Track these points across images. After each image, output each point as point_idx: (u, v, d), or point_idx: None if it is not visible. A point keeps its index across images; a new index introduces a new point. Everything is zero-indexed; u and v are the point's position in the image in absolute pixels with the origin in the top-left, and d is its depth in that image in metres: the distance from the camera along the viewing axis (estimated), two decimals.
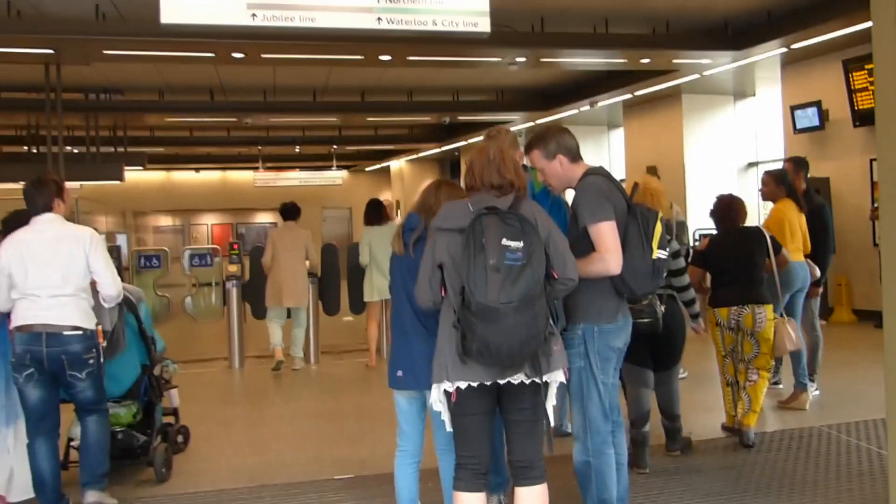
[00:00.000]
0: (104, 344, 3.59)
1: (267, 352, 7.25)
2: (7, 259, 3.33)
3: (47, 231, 3.42)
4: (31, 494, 3.49)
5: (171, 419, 4.46)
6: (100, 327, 3.55)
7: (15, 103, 11.71)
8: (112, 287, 3.51)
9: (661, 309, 3.62)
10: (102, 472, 3.53)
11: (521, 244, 2.40)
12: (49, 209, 3.45)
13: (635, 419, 3.87)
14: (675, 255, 3.91)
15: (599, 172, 2.96)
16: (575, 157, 2.98)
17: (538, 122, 13.47)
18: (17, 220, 3.60)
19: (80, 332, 3.37)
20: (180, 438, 4.53)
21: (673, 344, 3.99)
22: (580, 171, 2.96)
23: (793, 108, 9.50)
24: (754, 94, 11.68)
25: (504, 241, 2.40)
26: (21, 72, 9.70)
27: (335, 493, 3.78)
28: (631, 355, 3.64)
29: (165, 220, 22.94)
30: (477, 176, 2.69)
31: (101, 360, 3.51)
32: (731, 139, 11.82)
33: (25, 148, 14.71)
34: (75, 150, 14.03)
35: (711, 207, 4.69)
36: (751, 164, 11.81)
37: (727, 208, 4.57)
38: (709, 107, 11.77)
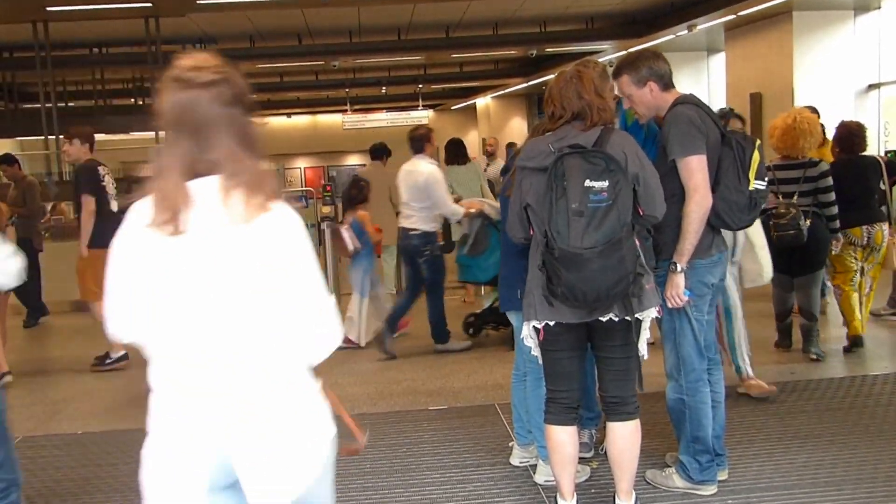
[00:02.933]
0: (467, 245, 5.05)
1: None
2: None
3: (408, 167, 5.23)
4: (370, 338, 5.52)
5: None
6: (439, 230, 5.31)
7: (120, 58, 12.29)
8: (442, 208, 5.06)
9: (806, 223, 4.21)
10: (439, 332, 5.31)
11: (605, 184, 2.29)
12: (420, 151, 5.21)
13: (778, 314, 4.81)
14: (823, 175, 4.43)
15: (690, 101, 2.79)
16: (667, 84, 2.82)
17: (630, 50, 12.83)
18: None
19: (418, 232, 5.14)
20: None
21: (815, 253, 4.46)
22: (670, 99, 2.80)
23: None
24: (879, 7, 10.55)
25: (587, 183, 2.30)
26: (124, 27, 10.14)
27: (429, 422, 3.91)
28: (776, 263, 4.30)
29: (262, 165, 23.72)
30: (556, 102, 2.55)
31: (435, 253, 5.17)
32: (849, 59, 10.82)
33: (132, 100, 15.50)
34: None
35: (834, 133, 4.98)
36: (872, 86, 10.84)
37: (849, 135, 4.84)
38: (824, 24, 10.76)
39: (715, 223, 2.75)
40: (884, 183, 4.90)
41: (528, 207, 2.51)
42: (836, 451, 3.25)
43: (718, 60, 13.37)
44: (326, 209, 7.81)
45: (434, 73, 17.14)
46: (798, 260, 4.40)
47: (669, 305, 2.75)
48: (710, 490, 2.90)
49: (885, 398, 3.92)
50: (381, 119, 19.57)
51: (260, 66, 14.24)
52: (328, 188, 8.04)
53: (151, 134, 10.73)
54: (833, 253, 4.61)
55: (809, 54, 10.81)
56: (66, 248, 5.11)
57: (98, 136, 5.30)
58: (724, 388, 3.03)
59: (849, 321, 4.78)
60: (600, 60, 3.25)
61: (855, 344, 4.75)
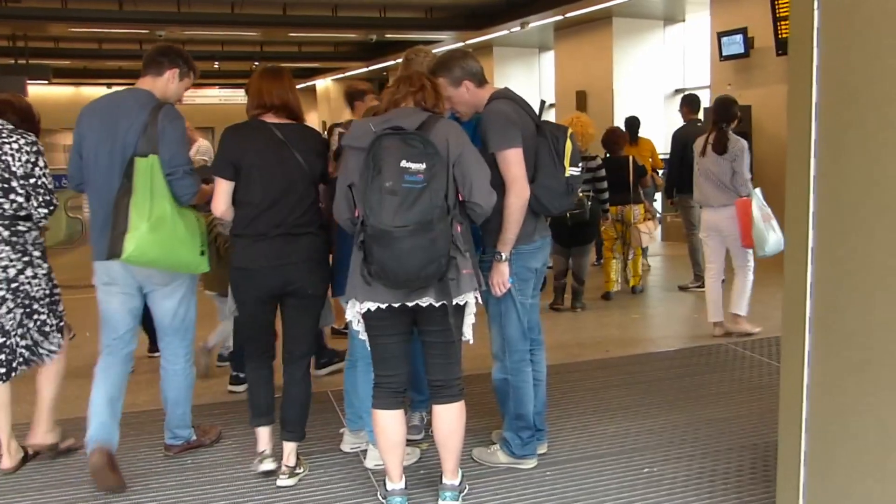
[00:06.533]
0: None
1: None
2: None
3: None
4: None
5: None
6: None
7: None
8: None
9: (587, 205, 5.51)
10: None
11: (422, 166, 2.34)
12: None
13: (556, 274, 6.00)
14: (599, 167, 5.90)
15: (505, 95, 2.91)
16: (481, 81, 2.92)
17: (468, 42, 13.18)
18: None
19: None
20: None
21: (588, 228, 5.80)
22: (486, 94, 2.90)
23: (720, 35, 9.56)
24: (684, 20, 11.69)
25: (403, 163, 2.34)
26: None
27: None
28: (563, 235, 5.60)
29: None
30: (394, 86, 2.64)
31: None
32: (659, 65, 11.87)
33: None
34: None
35: (602, 136, 6.50)
36: (678, 91, 11.95)
37: (609, 138, 6.48)
38: (639, 31, 11.73)
39: (537, 209, 2.89)
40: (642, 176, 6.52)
41: (353, 186, 2.50)
42: (641, 421, 3.57)
43: (549, 58, 14.12)
44: None
45: (271, 51, 16.53)
46: (575, 235, 5.69)
47: (495, 293, 2.85)
48: (531, 463, 3.06)
49: (681, 370, 4.37)
50: (214, 96, 18.55)
51: (74, 29, 12.92)
52: None
53: None
54: (602, 228, 6.14)
55: (626, 58, 11.73)
56: None
57: None
58: (546, 366, 3.21)
59: (605, 280, 6.44)
60: (434, 51, 3.32)
61: (605, 297, 6.37)
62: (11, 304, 3.03)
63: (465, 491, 2.81)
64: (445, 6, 12.32)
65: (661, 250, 8.98)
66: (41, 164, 3.07)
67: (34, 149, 3.07)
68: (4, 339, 3.04)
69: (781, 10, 8.45)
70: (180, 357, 3.14)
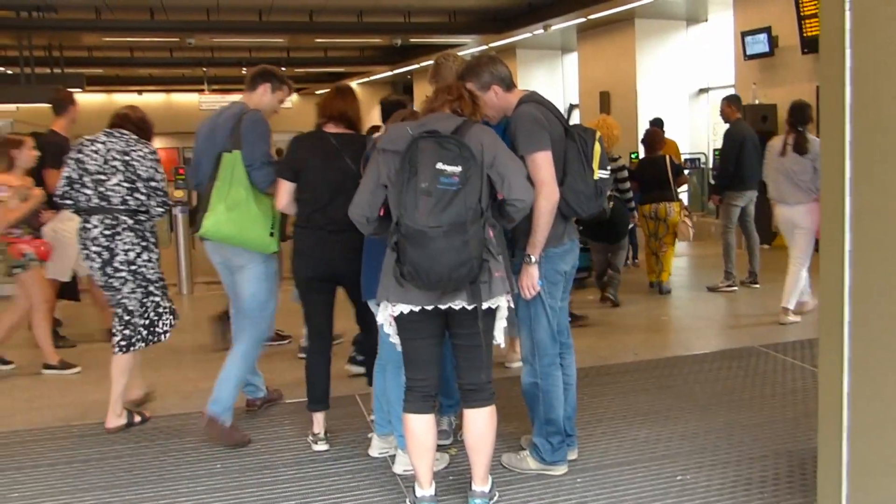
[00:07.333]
0: None
1: (216, 277, 7.13)
2: None
3: None
4: None
5: None
6: None
7: None
8: None
9: (609, 205, 5.24)
10: None
11: (458, 169, 2.37)
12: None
13: (599, 273, 6.32)
14: (620, 169, 6.10)
15: (533, 99, 2.91)
16: (509, 85, 2.93)
17: (491, 44, 13.18)
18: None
19: None
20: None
21: (619, 227, 6.00)
22: (515, 98, 2.91)
23: (743, 34, 9.45)
24: (706, 20, 11.57)
25: (439, 165, 2.37)
26: None
27: (287, 416, 3.80)
28: (592, 235, 5.97)
29: None
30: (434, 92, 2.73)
31: None
32: (683, 65, 11.76)
33: None
34: (8, 72, 13.25)
35: (642, 137, 6.92)
36: (702, 91, 11.82)
37: (650, 138, 6.79)
38: (662, 32, 11.65)
39: (566, 212, 2.87)
40: (678, 175, 6.66)
41: (387, 188, 2.52)
42: (672, 426, 3.51)
43: (572, 60, 14.04)
44: (179, 193, 7.34)
45: (298, 57, 16.69)
46: (609, 231, 5.94)
47: (524, 296, 2.83)
48: (562, 470, 3.02)
49: (712, 374, 4.29)
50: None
51: (107, 39, 13.18)
52: (181, 171, 7.46)
53: None
54: (631, 226, 6.36)
55: (650, 59, 11.64)
56: None
57: None
58: (576, 370, 3.18)
59: (648, 272, 6.81)
60: (460, 55, 3.33)
61: (651, 286, 6.67)
62: (133, 285, 3.55)
63: (496, 498, 2.78)
64: (469, 10, 12.32)
65: (687, 250, 8.87)
66: (160, 169, 3.63)
67: (155, 157, 3.63)
68: (129, 317, 3.60)
69: (806, 9, 8.32)
70: (245, 337, 3.50)
